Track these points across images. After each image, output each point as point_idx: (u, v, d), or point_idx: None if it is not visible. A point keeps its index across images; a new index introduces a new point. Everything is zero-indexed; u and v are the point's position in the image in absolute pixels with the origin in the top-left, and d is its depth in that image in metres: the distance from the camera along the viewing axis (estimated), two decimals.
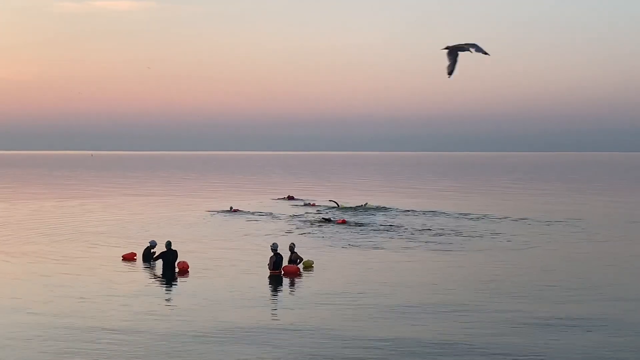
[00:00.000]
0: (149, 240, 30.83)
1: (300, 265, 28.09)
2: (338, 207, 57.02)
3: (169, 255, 28.45)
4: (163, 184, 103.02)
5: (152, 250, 29.92)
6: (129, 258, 30.34)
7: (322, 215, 49.81)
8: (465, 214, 50.34)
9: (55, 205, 59.77)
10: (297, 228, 42.86)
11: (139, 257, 30.21)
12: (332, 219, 47.02)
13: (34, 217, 48.94)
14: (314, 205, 60.20)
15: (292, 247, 28.65)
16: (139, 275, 27.66)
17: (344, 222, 45.36)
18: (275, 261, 27.16)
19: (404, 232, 40.54)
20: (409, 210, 53.97)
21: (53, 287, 24.68)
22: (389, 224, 44.76)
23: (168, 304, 22.70)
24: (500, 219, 47.54)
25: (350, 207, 56.80)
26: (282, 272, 27.12)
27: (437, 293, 23.93)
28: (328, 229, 42.20)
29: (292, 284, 25.77)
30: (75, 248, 34.05)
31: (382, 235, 39.26)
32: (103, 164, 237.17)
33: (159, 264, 28.66)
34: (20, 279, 26.36)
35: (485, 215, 49.42)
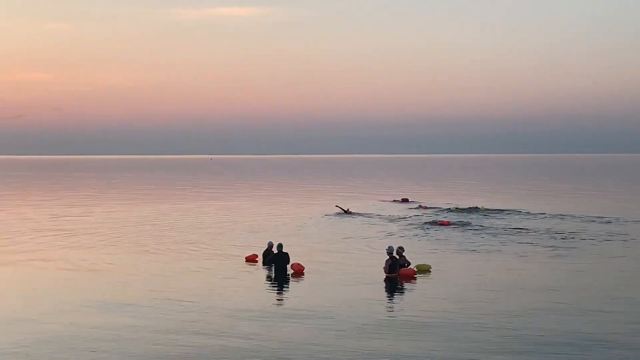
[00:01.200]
0: (268, 242, 30.98)
1: (414, 268, 27.52)
2: (451, 210, 56.13)
3: (281, 257, 28.51)
4: (278, 187, 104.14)
5: (271, 251, 30.07)
6: (251, 260, 30.57)
7: (432, 218, 49.23)
8: (586, 216, 48.46)
9: (172, 208, 61.14)
10: (411, 231, 42.31)
11: (260, 259, 30.41)
12: (437, 221, 46.41)
13: (158, 218, 50.18)
14: (427, 208, 59.47)
15: (400, 251, 28.01)
16: (255, 276, 27.71)
17: (448, 223, 44.68)
18: (391, 264, 26.75)
19: (522, 235, 39.33)
20: (526, 213, 52.51)
21: (176, 285, 25.08)
22: (504, 226, 43.60)
23: (279, 304, 22.62)
24: (622, 221, 45.58)
25: (464, 209, 55.81)
26: (398, 276, 26.67)
27: (559, 299, 22.95)
28: (442, 232, 41.45)
29: (408, 288, 25.27)
30: (198, 249, 34.73)
31: (498, 238, 38.18)
32: (222, 168, 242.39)
33: (274, 266, 28.75)
34: (149, 275, 26.90)
35: (608, 218, 47.42)
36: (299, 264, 28.11)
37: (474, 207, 56.49)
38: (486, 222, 46.70)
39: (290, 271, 27.86)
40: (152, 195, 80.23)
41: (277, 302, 23.12)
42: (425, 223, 45.92)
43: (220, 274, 27.61)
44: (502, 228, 42.78)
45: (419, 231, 42.02)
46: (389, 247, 27.46)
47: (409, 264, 27.63)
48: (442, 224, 44.82)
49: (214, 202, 67.30)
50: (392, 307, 22.36)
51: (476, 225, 44.58)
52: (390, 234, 40.57)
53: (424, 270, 27.70)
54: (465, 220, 47.11)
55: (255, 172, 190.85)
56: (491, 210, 55.00)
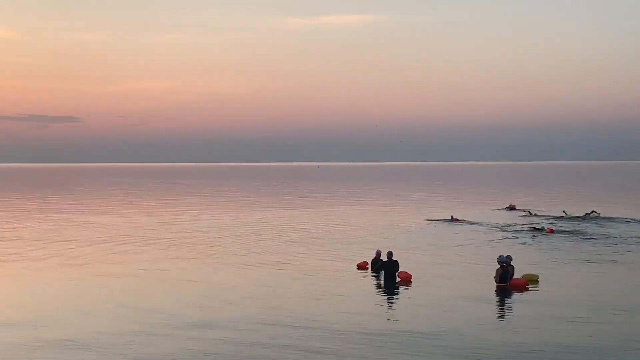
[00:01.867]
0: (376, 250, 30.93)
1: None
2: (564, 217, 54.72)
3: (390, 265, 28.48)
4: (383, 194, 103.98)
5: (379, 259, 30.02)
6: (362, 267, 30.63)
7: (534, 225, 48.17)
8: None
9: (276, 215, 61.83)
10: (518, 239, 41.47)
11: (370, 266, 30.44)
12: (542, 227, 45.40)
13: (263, 225, 50.86)
14: (535, 215, 58.18)
15: (507, 260, 27.26)
16: (363, 283, 27.67)
17: (551, 231, 43.57)
18: (502, 274, 26.21)
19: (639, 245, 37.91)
20: None
21: (285, 291, 25.30)
22: (620, 235, 42.13)
23: (388, 314, 22.47)
24: None
25: (578, 217, 54.27)
26: (510, 285, 26.09)
27: None
28: (550, 240, 40.43)
29: (519, 299, 24.66)
30: (306, 255, 35.13)
31: (612, 248, 36.91)
32: (328, 175, 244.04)
33: (383, 273, 28.68)
34: (255, 283, 27.26)
35: None
36: (406, 272, 27.94)
37: (587, 214, 54.85)
38: (600, 230, 45.29)
39: (397, 279, 27.71)
40: (258, 203, 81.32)
41: (385, 311, 22.97)
42: (533, 231, 44.95)
43: (330, 281, 27.76)
44: (618, 237, 41.34)
45: (526, 239, 41.19)
46: (499, 256, 26.91)
47: (512, 274, 26.90)
48: (550, 231, 43.74)
49: (319, 209, 67.75)
50: (499, 322, 21.77)
51: (588, 233, 43.30)
52: (497, 242, 39.84)
53: (532, 280, 27.02)
54: (576, 229, 45.85)
55: (361, 179, 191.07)
56: (606, 218, 53.26)
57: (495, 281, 26.30)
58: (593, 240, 40.29)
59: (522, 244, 39.24)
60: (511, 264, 27.17)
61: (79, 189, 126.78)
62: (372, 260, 30.33)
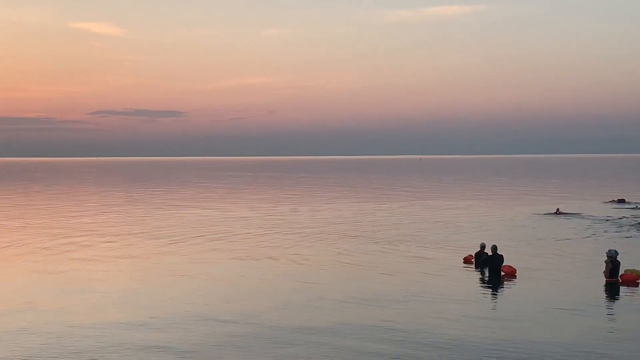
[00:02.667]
0: (480, 243, 30.53)
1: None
2: None
3: (495, 259, 28.08)
4: (485, 187, 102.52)
5: (484, 252, 29.64)
6: (468, 260, 30.37)
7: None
8: None
9: (377, 207, 61.81)
10: (625, 233, 40.20)
11: (474, 260, 30.12)
12: None
13: (364, 217, 50.99)
14: None
15: (614, 255, 26.31)
16: (468, 277, 27.36)
17: None
18: (612, 268, 25.40)
19: None
20: None
21: (390, 283, 25.30)
22: None
23: (493, 309, 22.14)
24: None
25: None
26: (620, 281, 25.28)
27: None
28: None
29: (631, 294, 23.87)
30: (411, 247, 35.26)
31: None
32: (430, 168, 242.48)
33: (488, 267, 28.30)
34: (366, 277, 27.34)
35: None
36: (510, 266, 27.49)
37: None
38: None
39: (501, 273, 27.27)
40: (358, 194, 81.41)
41: (490, 306, 22.68)
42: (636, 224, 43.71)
43: (436, 274, 27.69)
44: None
45: (633, 232, 39.97)
46: (609, 251, 26.06)
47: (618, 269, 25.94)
48: None
49: (421, 202, 67.43)
50: (602, 316, 21.13)
51: None
52: (604, 236, 38.75)
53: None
54: None
55: (463, 171, 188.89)
56: None
57: (605, 276, 25.53)
58: None
59: (627, 237, 38.04)
60: (617, 258, 26.30)
61: (196, 181, 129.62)
62: (476, 253, 29.98)
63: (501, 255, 28.20)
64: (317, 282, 26.30)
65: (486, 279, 26.97)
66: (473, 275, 27.74)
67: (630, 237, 38.42)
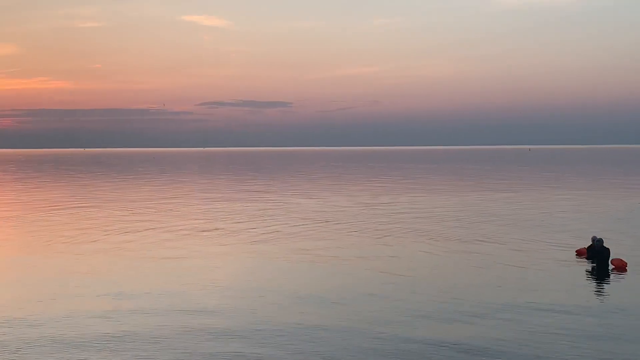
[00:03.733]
0: (592, 236, 30.11)
1: None
2: None
3: (602, 252, 27.63)
4: (594, 178, 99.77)
5: (595, 245, 29.26)
6: (581, 253, 30.05)
7: None
8: None
9: (480, 197, 61.17)
10: None
11: (585, 253, 29.82)
12: None
13: (468, 208, 50.82)
14: None
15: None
16: (578, 270, 27.08)
17: None
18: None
19: None
20: None
21: (502, 275, 25.40)
22: None
23: (602, 301, 21.97)
24: None
25: None
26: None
27: None
28: None
29: None
30: (518, 238, 35.10)
31: None
32: (538, 159, 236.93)
33: (596, 260, 27.93)
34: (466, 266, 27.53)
35: None
36: (620, 259, 27.04)
37: None
38: None
39: (610, 267, 26.89)
40: (460, 186, 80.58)
41: (597, 298, 22.49)
42: None
43: (548, 267, 27.48)
44: None
45: None
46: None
47: None
48: None
49: (527, 193, 66.40)
50: None
51: None
52: None
53: None
54: None
55: (570, 163, 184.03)
56: None
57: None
58: None
59: None
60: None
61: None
62: (588, 247, 29.62)
63: (607, 249, 27.74)
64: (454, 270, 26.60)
65: (594, 271, 26.61)
66: (583, 268, 27.38)
67: None
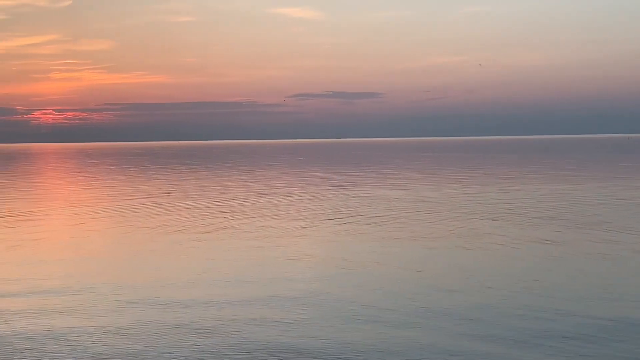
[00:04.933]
0: None
1: None
2: None
3: None
4: None
5: None
6: None
7: None
8: None
9: (572, 188, 57.13)
10: None
11: None
12: None
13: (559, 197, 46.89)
14: None
15: None
16: None
17: None
18: None
19: None
20: None
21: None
22: None
23: None
24: None
25: None
26: None
27: None
28: None
29: None
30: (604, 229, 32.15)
31: None
32: (637, 147, 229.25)
33: None
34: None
35: None
36: None
37: None
38: None
39: None
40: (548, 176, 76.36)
41: None
42: None
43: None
44: None
45: None
46: None
47: None
48: None
49: (619, 183, 62.14)
50: None
51: None
52: None
53: None
54: None
55: None
56: None
57: None
58: None
59: None
60: None
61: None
62: None
63: None
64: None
65: None
66: None
67: None
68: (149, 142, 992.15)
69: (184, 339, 16.14)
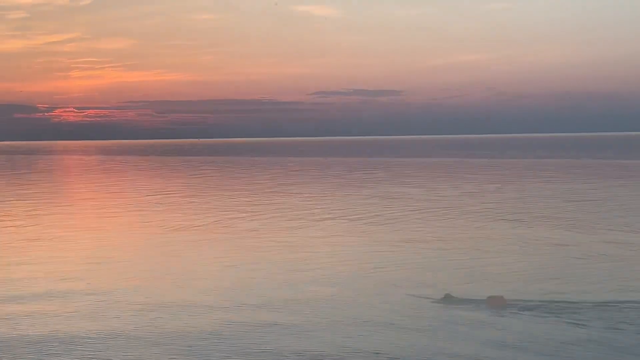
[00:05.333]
0: None
1: None
2: None
3: None
4: None
5: None
6: None
7: None
8: None
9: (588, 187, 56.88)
10: None
11: None
12: None
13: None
14: None
15: None
16: None
17: None
18: None
19: None
20: None
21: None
22: None
23: None
24: None
25: None
26: None
27: None
28: None
29: None
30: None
31: None
32: None
33: None
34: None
35: None
36: None
37: None
38: None
39: None
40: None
41: None
42: None
43: None
44: None
45: None
46: None
47: None
48: None
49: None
50: None
51: None
52: None
53: None
54: None
55: None
56: None
57: None
58: None
59: None
60: None
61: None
62: None
63: None
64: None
65: None
66: None
67: None
68: (172, 140, 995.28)
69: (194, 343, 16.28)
